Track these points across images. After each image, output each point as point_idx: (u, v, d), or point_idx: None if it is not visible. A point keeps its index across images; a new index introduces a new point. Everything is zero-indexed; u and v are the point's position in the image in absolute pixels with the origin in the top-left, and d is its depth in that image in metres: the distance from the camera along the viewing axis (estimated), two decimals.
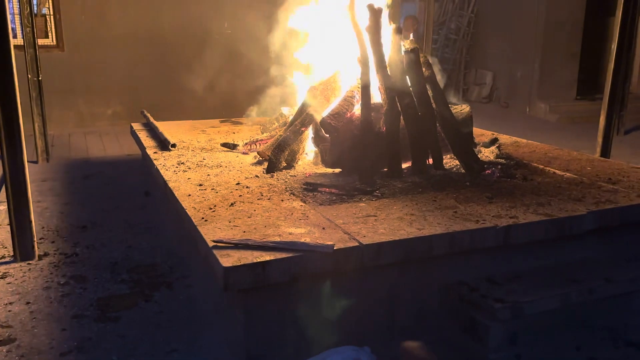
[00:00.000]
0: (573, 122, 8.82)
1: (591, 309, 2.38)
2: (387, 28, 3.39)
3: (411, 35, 3.40)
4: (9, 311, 2.70)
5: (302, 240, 2.19)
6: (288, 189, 2.96)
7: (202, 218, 2.47)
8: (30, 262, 3.25)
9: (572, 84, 9.69)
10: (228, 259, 2.04)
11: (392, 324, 2.39)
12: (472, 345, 2.27)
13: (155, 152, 3.77)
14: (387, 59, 3.28)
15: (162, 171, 3.28)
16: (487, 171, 3.28)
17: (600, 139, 4.76)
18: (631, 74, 8.30)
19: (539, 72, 9.59)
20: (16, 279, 3.04)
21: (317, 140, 3.31)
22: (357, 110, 3.26)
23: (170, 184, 3.01)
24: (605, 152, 4.70)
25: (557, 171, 3.34)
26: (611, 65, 4.67)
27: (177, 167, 3.39)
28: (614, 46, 4.63)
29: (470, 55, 11.17)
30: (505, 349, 2.23)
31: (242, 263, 2.01)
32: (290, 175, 3.22)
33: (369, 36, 3.25)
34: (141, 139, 4.26)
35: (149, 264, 3.27)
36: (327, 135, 3.19)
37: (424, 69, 3.35)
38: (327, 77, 3.56)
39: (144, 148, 3.98)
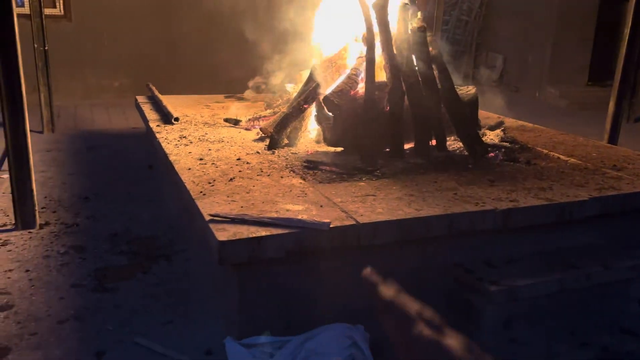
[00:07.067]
0: (583, 108, 8.69)
1: (588, 295, 2.37)
2: (396, 4, 3.34)
3: (419, 13, 3.33)
4: (8, 278, 2.72)
5: (299, 217, 2.19)
6: (288, 166, 2.94)
7: (201, 192, 2.46)
8: (31, 230, 3.27)
9: (584, 69, 9.54)
10: (224, 233, 2.04)
11: None
12: (468, 328, 2.27)
13: (158, 126, 3.76)
14: (393, 36, 3.23)
15: (163, 144, 3.27)
16: (490, 154, 3.24)
17: (608, 126, 4.70)
18: None
19: (551, 56, 9.44)
20: (16, 247, 3.06)
21: (320, 118, 3.28)
22: (361, 88, 3.22)
23: (171, 157, 3.00)
24: (614, 139, 4.64)
25: (561, 156, 3.30)
26: (623, 50, 4.59)
27: (178, 140, 3.38)
28: (627, 31, 4.54)
29: (482, 37, 11.01)
30: (500, 332, 2.22)
31: (237, 237, 2.01)
32: (292, 153, 3.20)
33: (376, 13, 3.20)
34: (145, 112, 4.25)
35: (148, 236, 3.28)
36: (330, 113, 3.15)
37: (430, 48, 3.29)
38: (332, 54, 3.51)
39: (147, 121, 3.96)
